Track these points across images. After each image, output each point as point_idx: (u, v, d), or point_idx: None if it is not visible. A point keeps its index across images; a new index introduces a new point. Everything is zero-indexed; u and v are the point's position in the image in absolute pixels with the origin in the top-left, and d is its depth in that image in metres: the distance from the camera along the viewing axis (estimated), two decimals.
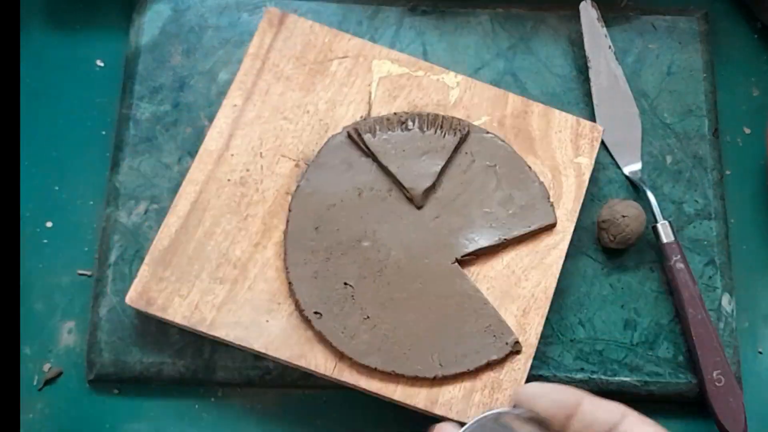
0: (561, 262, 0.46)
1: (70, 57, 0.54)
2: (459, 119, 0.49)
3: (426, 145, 0.48)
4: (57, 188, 0.51)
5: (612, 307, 0.49)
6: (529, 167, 0.48)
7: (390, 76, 0.50)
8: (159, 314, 0.44)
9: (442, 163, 0.47)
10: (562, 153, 0.49)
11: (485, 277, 0.46)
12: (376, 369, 0.43)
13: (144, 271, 0.45)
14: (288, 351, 0.44)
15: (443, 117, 0.49)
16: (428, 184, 0.47)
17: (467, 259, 0.46)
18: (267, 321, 0.44)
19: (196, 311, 0.44)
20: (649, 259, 0.50)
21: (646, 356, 0.48)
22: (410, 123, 0.48)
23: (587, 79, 0.54)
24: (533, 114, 0.50)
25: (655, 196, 0.50)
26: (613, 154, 0.52)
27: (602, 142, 0.52)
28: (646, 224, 0.49)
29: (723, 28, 0.58)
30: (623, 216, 0.48)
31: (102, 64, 0.54)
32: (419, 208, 0.47)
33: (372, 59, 0.50)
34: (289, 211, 0.46)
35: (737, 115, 0.55)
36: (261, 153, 0.47)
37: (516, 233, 0.46)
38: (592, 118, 0.53)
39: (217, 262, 0.45)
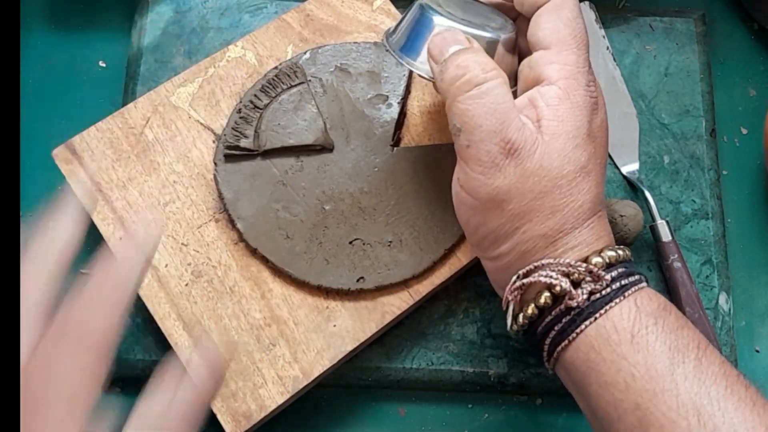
0: None
1: (72, 58, 0.55)
2: None
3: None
4: (59, 188, 0.51)
5: None
6: None
7: None
8: (264, 415, 0.42)
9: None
10: None
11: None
12: (434, 262, 0.46)
13: (217, 406, 0.42)
14: (371, 322, 0.44)
15: None
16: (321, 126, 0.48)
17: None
18: (334, 326, 0.44)
19: (284, 380, 0.43)
20: (646, 259, 0.51)
21: None
22: None
23: None
24: None
25: (653, 195, 0.51)
26: (611, 154, 0.53)
27: None
28: (644, 224, 0.49)
29: (720, 29, 0.58)
30: (621, 215, 0.48)
31: (104, 65, 0.55)
32: (331, 150, 0.47)
33: None
34: (254, 251, 0.45)
35: (734, 115, 0.56)
36: (182, 243, 0.46)
37: None
38: None
39: (254, 337, 0.44)
